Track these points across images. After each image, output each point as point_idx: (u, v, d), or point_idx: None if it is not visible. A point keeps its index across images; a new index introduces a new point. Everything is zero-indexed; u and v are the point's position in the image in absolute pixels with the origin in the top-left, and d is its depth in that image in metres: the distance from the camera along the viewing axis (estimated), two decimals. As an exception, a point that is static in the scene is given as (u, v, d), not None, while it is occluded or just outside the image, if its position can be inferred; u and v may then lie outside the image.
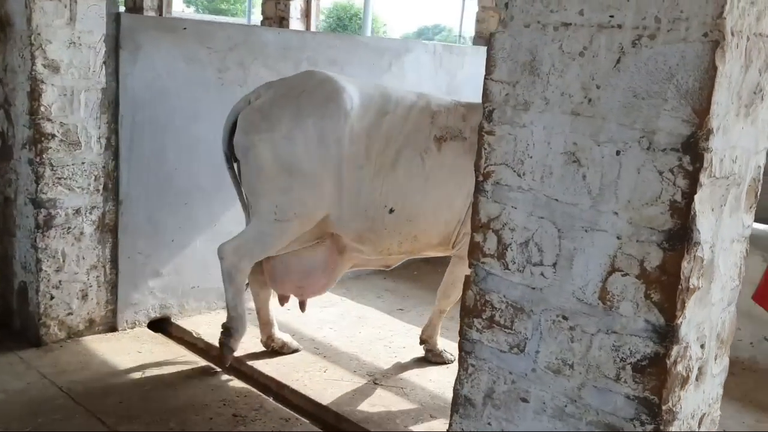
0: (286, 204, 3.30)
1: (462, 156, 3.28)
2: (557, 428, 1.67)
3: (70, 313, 3.67)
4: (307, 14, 8.11)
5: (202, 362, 3.70)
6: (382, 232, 3.41)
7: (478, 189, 1.75)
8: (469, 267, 1.81)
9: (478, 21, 6.36)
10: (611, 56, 1.49)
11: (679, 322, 1.48)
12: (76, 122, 3.48)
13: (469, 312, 1.81)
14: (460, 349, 1.85)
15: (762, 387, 3.83)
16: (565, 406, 1.65)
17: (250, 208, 3.49)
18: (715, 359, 1.72)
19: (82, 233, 3.62)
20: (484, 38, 6.31)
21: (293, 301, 3.86)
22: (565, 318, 1.63)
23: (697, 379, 1.63)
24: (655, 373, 1.51)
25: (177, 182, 3.94)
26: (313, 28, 8.19)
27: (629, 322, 1.53)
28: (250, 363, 3.68)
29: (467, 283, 1.81)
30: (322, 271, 3.58)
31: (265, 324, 3.78)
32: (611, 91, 1.49)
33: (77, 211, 3.58)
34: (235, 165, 3.50)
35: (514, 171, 1.67)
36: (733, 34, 1.37)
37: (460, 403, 1.87)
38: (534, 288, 1.67)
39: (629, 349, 1.54)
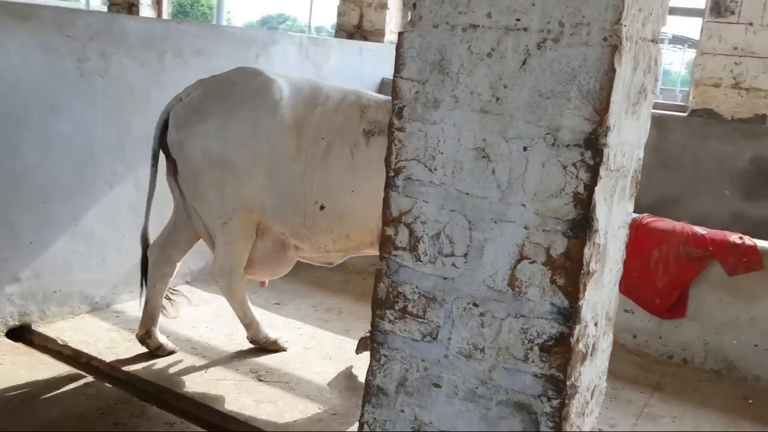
0: (223, 201, 3.36)
1: None
2: (469, 410, 1.76)
3: None
4: (158, 1, 7.76)
5: (72, 370, 3.48)
6: (315, 230, 3.36)
7: (389, 184, 1.80)
8: (381, 260, 1.85)
9: (339, 14, 6.40)
10: (518, 57, 1.58)
11: (580, 303, 1.61)
12: None
13: (381, 304, 1.85)
14: (373, 340, 1.89)
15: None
16: (477, 388, 1.74)
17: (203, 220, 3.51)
18: (604, 335, 1.89)
19: (-73, 238, 3.28)
20: (345, 31, 6.37)
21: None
22: (475, 305, 1.71)
23: (591, 355, 1.78)
24: (560, 351, 1.63)
25: (34, 180, 3.67)
26: (165, 16, 7.86)
27: (536, 306, 1.64)
28: (125, 368, 3.51)
29: (379, 276, 1.85)
30: (266, 263, 3.60)
31: (149, 317, 3.65)
32: (518, 91, 1.59)
33: None
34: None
35: (426, 166, 1.73)
36: (627, 39, 1.51)
37: (372, 393, 1.91)
38: (446, 278, 1.74)
39: (536, 331, 1.65)
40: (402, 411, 1.86)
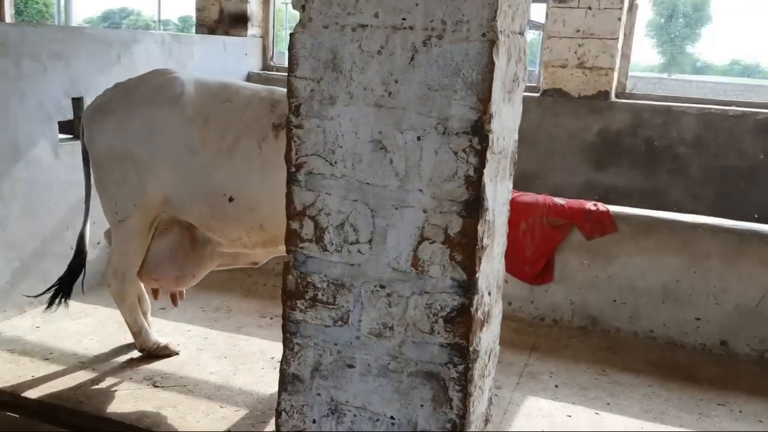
0: (123, 197, 3.42)
1: None
2: (382, 385, 1.89)
3: None
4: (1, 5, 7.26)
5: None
6: (227, 221, 3.37)
7: (291, 180, 1.88)
8: (288, 253, 1.93)
9: (198, 9, 6.29)
10: (406, 54, 1.71)
11: (477, 276, 1.77)
12: None
13: (291, 295, 1.93)
14: (285, 330, 1.97)
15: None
16: (388, 363, 1.87)
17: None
18: (496, 303, 2.07)
19: None
20: (206, 26, 6.28)
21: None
22: (382, 287, 1.84)
23: (487, 322, 1.96)
24: (462, 321, 1.79)
25: None
26: (8, 17, 7.35)
27: (438, 282, 1.78)
28: (12, 391, 3.35)
29: (287, 268, 1.93)
30: (170, 261, 3.57)
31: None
32: (408, 85, 1.72)
33: None
34: None
35: (326, 160, 1.82)
36: (501, 34, 1.67)
37: (288, 381, 1.99)
38: (353, 264, 1.85)
39: (440, 305, 1.80)
40: (318, 394, 1.96)
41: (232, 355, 3.90)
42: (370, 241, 1.82)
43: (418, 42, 1.69)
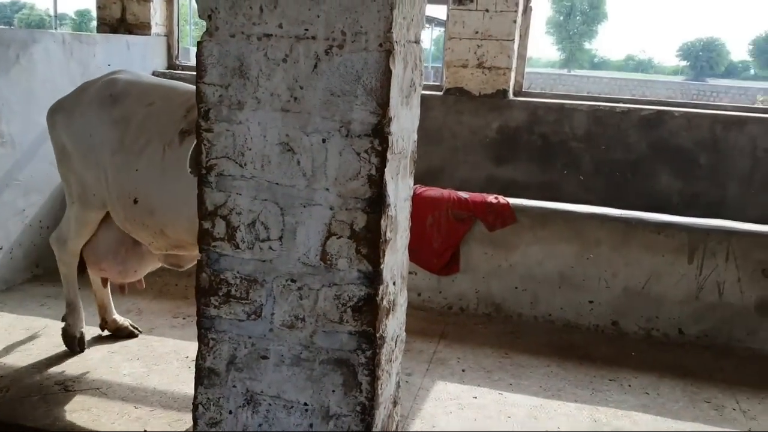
0: (70, 186, 3.66)
1: None
2: (295, 373, 2.00)
3: None
4: None
5: None
6: (134, 223, 3.43)
7: (202, 181, 1.96)
8: (200, 252, 2.01)
9: (99, 7, 6.16)
10: (309, 62, 1.82)
11: (381, 267, 1.91)
12: None
13: (204, 292, 2.02)
14: (199, 326, 2.05)
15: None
16: (301, 353, 1.98)
17: None
18: (401, 292, 2.22)
19: None
20: (108, 25, 6.16)
21: None
22: (293, 281, 1.95)
23: (392, 310, 2.10)
24: (369, 310, 1.92)
25: None
26: None
27: (346, 275, 1.91)
28: None
29: (200, 266, 2.01)
30: (114, 255, 3.74)
31: (99, 307, 4.08)
32: (313, 91, 1.83)
33: None
34: None
35: (236, 162, 1.92)
36: (397, 43, 1.81)
37: (204, 375, 2.07)
38: (264, 261, 1.96)
39: (347, 295, 1.93)
40: (234, 386, 2.05)
41: (145, 356, 3.90)
42: (280, 238, 1.93)
43: (320, 51, 1.81)
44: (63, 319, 3.93)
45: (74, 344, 3.90)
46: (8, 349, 3.87)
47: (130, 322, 4.18)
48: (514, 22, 5.44)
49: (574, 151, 5.57)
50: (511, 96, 5.64)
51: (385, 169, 1.84)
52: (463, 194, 4.68)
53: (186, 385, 3.59)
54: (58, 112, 3.63)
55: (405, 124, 1.99)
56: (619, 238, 4.43)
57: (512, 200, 4.60)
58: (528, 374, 3.93)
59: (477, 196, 4.66)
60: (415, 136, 2.18)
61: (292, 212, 1.91)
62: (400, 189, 2.03)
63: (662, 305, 4.43)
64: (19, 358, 3.79)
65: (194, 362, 3.79)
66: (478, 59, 5.52)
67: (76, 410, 3.29)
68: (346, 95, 1.81)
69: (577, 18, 63.63)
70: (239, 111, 1.89)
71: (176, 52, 6.44)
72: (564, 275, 4.54)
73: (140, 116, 3.41)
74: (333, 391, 1.98)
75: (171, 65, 6.38)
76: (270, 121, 1.87)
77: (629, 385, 3.88)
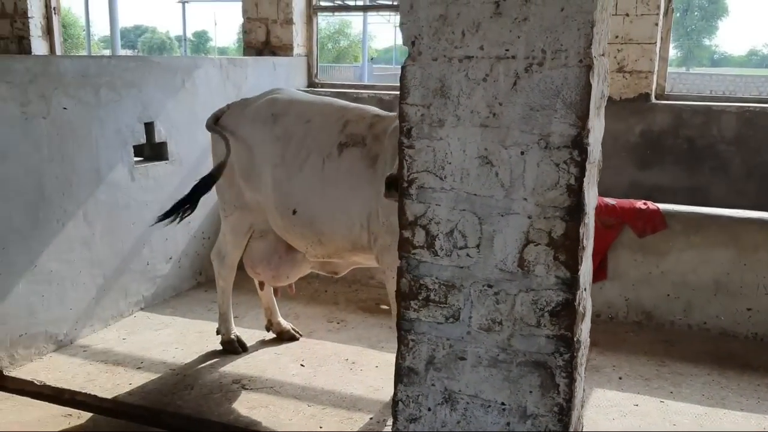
0: (229, 198, 3.94)
1: (358, 162, 3.42)
2: (492, 374, 2.10)
3: None
4: (48, 32, 7.59)
5: (59, 408, 3.55)
6: (293, 233, 3.68)
7: (403, 194, 2.11)
8: (400, 259, 2.16)
9: (246, 32, 6.57)
10: (509, 80, 1.93)
11: (579, 274, 1.99)
12: None
13: (405, 296, 2.16)
14: (399, 328, 2.19)
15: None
16: (498, 355, 2.09)
17: None
18: (588, 297, 2.28)
19: None
20: (254, 48, 6.56)
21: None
22: (490, 286, 2.06)
23: (585, 315, 2.17)
24: (567, 314, 2.00)
25: (-8, 227, 3.68)
26: (58, 46, 7.69)
27: (543, 280, 2.00)
28: (113, 398, 3.62)
29: (400, 272, 2.16)
30: (267, 261, 3.99)
31: (264, 309, 4.37)
32: (512, 107, 1.94)
33: None
34: None
35: (436, 175, 2.05)
36: (595, 58, 1.89)
37: (403, 374, 2.21)
38: (462, 267, 2.08)
39: (545, 300, 2.01)
40: (433, 385, 2.18)
41: (308, 358, 4.14)
42: (477, 246, 2.05)
43: (520, 69, 1.91)
44: (217, 332, 4.25)
45: (234, 346, 4.19)
46: (185, 351, 4.22)
47: (292, 326, 4.44)
48: (656, 24, 5.35)
49: (723, 155, 5.40)
50: (653, 99, 5.54)
51: (584, 179, 1.91)
52: (610, 200, 4.65)
53: (350, 386, 3.78)
54: (224, 129, 3.90)
55: (597, 135, 2.06)
56: (779, 243, 4.27)
57: (662, 206, 4.53)
58: (688, 382, 3.86)
59: (625, 202, 4.62)
60: (600, 146, 2.24)
61: (490, 221, 2.02)
62: (591, 197, 2.10)
63: (830, 313, 4.22)
64: (197, 359, 4.12)
65: (354, 364, 4.01)
66: (618, 63, 5.46)
67: (255, 407, 3.55)
68: (545, 109, 1.90)
69: (695, 14, 60.74)
70: (440, 128, 2.02)
71: (315, 71, 6.75)
72: (719, 282, 4.42)
73: (300, 133, 3.66)
74: (530, 392, 2.07)
75: (311, 83, 6.69)
76: (469, 136, 1.99)
77: (798, 396, 3.74)
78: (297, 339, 4.39)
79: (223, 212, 4.03)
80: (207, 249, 5.38)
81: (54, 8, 7.48)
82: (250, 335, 4.41)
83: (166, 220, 3.79)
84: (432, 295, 2.13)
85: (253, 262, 4.03)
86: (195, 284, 5.34)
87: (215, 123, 3.93)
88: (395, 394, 2.25)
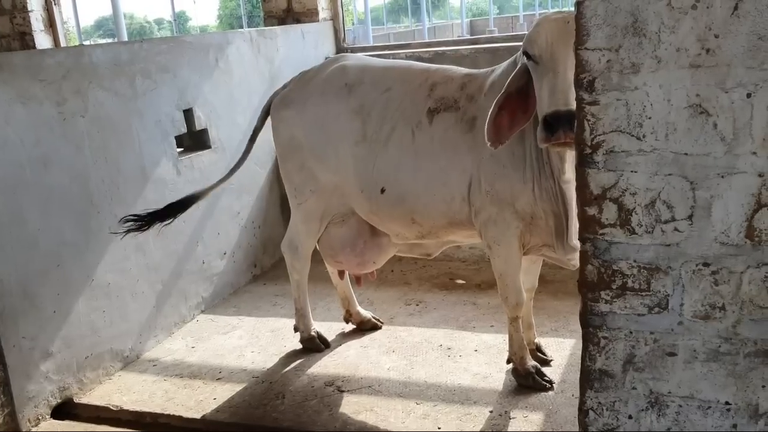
0: (301, 183, 3.52)
1: (453, 127, 3.06)
2: (712, 370, 1.73)
3: (-37, 437, 2.95)
4: (51, 25, 7.09)
5: (144, 435, 3.22)
6: (381, 214, 3.29)
7: (585, 162, 1.71)
8: (583, 242, 1.77)
9: (264, 0, 6.09)
10: (727, 4, 1.52)
11: (825, 239, 1.60)
12: None
13: (593, 287, 1.78)
14: (587, 325, 1.81)
15: None
16: (719, 346, 1.71)
17: None
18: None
19: (-46, 336, 2.89)
20: (275, 17, 6.08)
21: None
22: (707, 265, 1.67)
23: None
24: (811, 291, 1.62)
25: (44, 244, 3.30)
26: (62, 39, 7.20)
27: (779, 251, 1.61)
28: (201, 417, 3.27)
29: (584, 258, 1.77)
30: (351, 248, 3.57)
31: (342, 299, 4.00)
32: (732, 39, 1.53)
33: (-58, 312, 2.84)
34: None
35: (632, 135, 1.65)
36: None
37: (594, 378, 1.84)
38: (668, 245, 1.69)
39: (781, 275, 1.63)
40: (634, 388, 1.81)
41: (398, 348, 3.79)
42: (690, 217, 1.65)
43: (743, -12, 1.50)
44: (295, 329, 3.89)
45: (316, 344, 3.85)
46: (263, 353, 3.87)
47: (372, 315, 4.08)
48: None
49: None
50: None
51: (833, 120, 1.51)
52: None
53: (455, 376, 3.44)
54: (288, 106, 3.51)
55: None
56: None
57: None
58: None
59: None
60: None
61: (706, 185, 1.62)
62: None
63: None
64: (278, 362, 3.77)
65: (450, 350, 3.65)
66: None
67: (360, 411, 3.21)
68: (779, 37, 1.49)
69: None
70: (634, 75, 1.62)
71: (342, 35, 6.29)
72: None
73: (381, 103, 3.25)
74: (763, 386, 1.70)
75: (339, 49, 6.23)
76: (675, 81, 1.59)
77: None
78: (379, 327, 4.03)
79: (294, 199, 3.61)
80: (258, 240, 5.01)
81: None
82: (327, 328, 4.05)
83: (129, 224, 3.36)
84: (629, 282, 1.74)
85: (333, 251, 3.63)
86: (251, 278, 4.98)
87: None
88: (583, 401, 1.88)
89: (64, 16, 8.09)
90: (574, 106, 1.73)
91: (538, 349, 3.52)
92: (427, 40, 6.92)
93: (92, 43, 30.89)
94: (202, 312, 4.45)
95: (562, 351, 3.59)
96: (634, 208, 1.70)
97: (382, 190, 3.25)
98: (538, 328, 3.66)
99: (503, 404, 3.17)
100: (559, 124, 2.42)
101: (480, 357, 3.61)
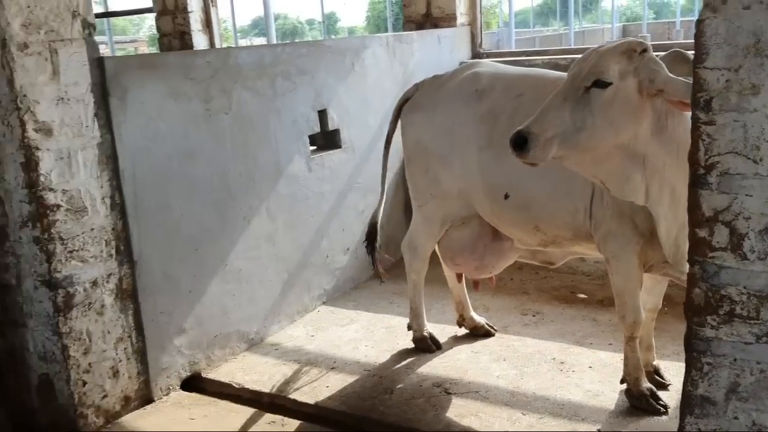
0: (424, 186, 3.60)
1: None
2: (826, 405, 1.65)
3: (105, 396, 3.29)
4: (208, 25, 7.66)
5: (261, 414, 3.43)
6: (504, 220, 3.34)
7: (698, 182, 1.68)
8: (692, 265, 1.74)
9: (405, 5, 6.25)
10: None
11: None
12: (78, 186, 3.08)
13: (699, 311, 1.74)
14: (691, 349, 1.78)
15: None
16: (834, 383, 1.62)
17: None
18: None
19: (103, 306, 3.23)
20: (414, 22, 6.22)
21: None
22: (825, 296, 1.59)
23: None
24: None
25: (185, 229, 3.60)
26: (217, 39, 7.76)
27: None
28: (315, 402, 3.45)
29: (692, 281, 1.74)
30: (471, 250, 3.62)
31: (456, 303, 4.01)
32: None
33: (94, 283, 3.19)
34: None
35: (747, 158, 1.61)
36: None
37: (695, 404, 1.80)
38: (782, 274, 1.63)
39: None
40: (735, 418, 1.76)
41: (510, 357, 3.79)
42: (807, 247, 1.59)
43: None
44: (408, 327, 3.97)
45: (428, 344, 3.91)
46: (376, 348, 3.99)
47: (486, 321, 4.10)
48: None
49: None
50: None
51: None
52: None
53: (565, 391, 3.39)
54: (417, 110, 3.60)
55: None
56: None
57: None
58: None
59: None
60: None
61: (827, 214, 1.55)
62: None
63: None
64: (390, 358, 3.88)
65: (563, 364, 3.61)
66: None
67: (464, 415, 3.25)
68: None
69: None
70: (753, 97, 1.58)
71: (479, 40, 6.32)
72: None
73: (509, 109, 3.26)
74: None
75: (475, 54, 6.27)
76: (798, 104, 1.53)
77: None
78: (492, 335, 4.04)
79: (416, 201, 3.70)
80: (381, 239, 5.14)
81: (212, 1, 7.52)
82: (440, 331, 4.12)
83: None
84: (738, 309, 1.70)
85: (453, 253, 3.68)
86: (371, 275, 5.12)
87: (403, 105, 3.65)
88: (682, 426, 1.84)
89: (223, 16, 8.67)
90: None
91: (656, 371, 3.40)
92: (563, 47, 6.79)
93: (249, 41, 32.60)
94: (324, 303, 4.65)
95: (681, 376, 3.43)
96: (747, 233, 1.65)
97: (506, 196, 3.27)
98: (659, 351, 3.53)
99: (612, 424, 3.10)
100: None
101: (594, 374, 3.54)
